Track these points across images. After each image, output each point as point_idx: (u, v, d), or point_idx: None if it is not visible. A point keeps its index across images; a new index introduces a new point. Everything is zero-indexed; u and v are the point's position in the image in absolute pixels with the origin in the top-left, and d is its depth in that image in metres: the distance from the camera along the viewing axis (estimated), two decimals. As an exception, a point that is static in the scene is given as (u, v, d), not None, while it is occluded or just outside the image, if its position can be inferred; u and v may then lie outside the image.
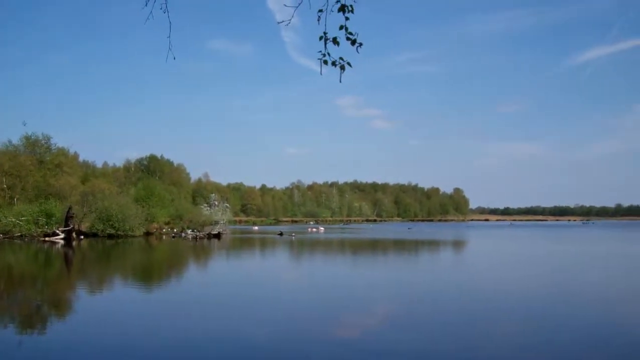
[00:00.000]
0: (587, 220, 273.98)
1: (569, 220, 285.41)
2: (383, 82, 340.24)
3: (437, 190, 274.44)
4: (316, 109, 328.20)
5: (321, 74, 6.54)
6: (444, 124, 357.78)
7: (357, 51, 6.52)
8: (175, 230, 74.50)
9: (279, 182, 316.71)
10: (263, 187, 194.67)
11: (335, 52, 6.60)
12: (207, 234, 68.41)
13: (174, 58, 7.66)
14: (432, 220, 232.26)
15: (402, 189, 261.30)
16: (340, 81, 6.65)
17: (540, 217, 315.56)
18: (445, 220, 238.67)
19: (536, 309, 18.51)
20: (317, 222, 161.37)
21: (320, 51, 6.47)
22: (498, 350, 12.76)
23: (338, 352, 12.52)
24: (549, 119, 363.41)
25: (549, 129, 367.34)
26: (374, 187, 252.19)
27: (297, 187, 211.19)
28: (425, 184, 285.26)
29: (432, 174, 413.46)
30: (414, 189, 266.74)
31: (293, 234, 78.34)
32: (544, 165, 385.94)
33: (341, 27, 6.51)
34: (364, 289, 23.60)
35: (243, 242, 63.25)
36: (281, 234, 78.99)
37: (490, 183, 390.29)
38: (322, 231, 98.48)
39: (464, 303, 19.76)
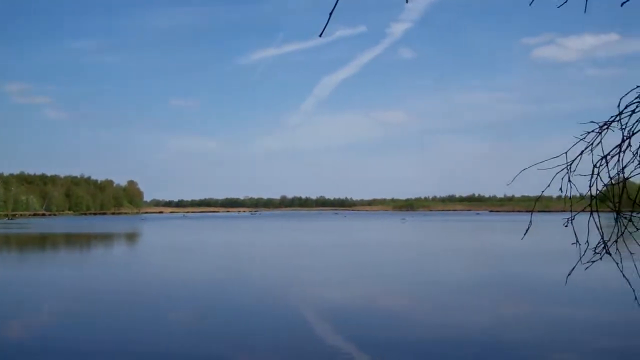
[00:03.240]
0: (256, 211, 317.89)
1: (239, 211, 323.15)
2: (57, 69, 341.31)
3: (110, 182, 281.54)
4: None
5: None
6: (120, 115, 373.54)
7: None
8: None
9: None
10: None
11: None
12: None
13: None
14: (105, 214, 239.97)
15: (74, 181, 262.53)
16: None
17: (213, 209, 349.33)
18: (119, 213, 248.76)
19: (203, 296, 21.04)
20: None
21: None
22: (165, 339, 14.01)
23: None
24: (222, 114, 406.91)
25: (221, 124, 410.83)
26: (43, 179, 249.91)
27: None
28: (99, 176, 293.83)
29: (106, 166, 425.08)
30: (87, 181, 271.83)
31: None
32: (216, 159, 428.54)
33: None
34: (27, 287, 24.16)
35: None
36: None
37: (164, 175, 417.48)
38: None
39: (136, 295, 21.39)
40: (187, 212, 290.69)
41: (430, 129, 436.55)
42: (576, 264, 3.38)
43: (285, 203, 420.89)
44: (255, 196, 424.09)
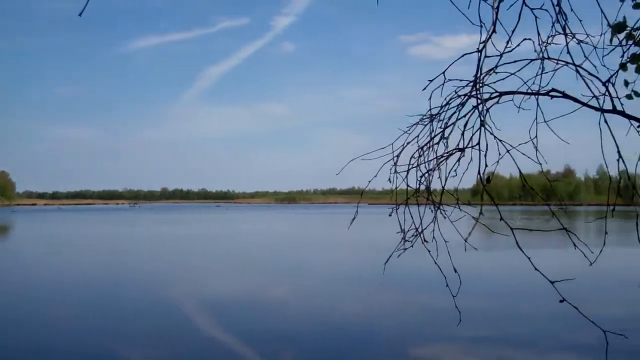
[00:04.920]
0: (135, 203, 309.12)
1: (117, 203, 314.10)
2: None
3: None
4: None
5: None
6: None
7: None
8: None
9: None
10: None
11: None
12: None
13: None
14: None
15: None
16: None
17: (90, 201, 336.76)
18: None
19: (76, 292, 20.16)
20: None
21: None
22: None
23: None
24: (100, 103, 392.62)
25: (100, 113, 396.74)
26: None
27: None
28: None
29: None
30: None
31: None
32: (93, 150, 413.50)
33: None
34: None
35: None
36: None
37: (38, 166, 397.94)
38: None
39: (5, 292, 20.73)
40: (62, 204, 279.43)
41: (312, 122, 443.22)
42: (392, 253, 3.49)
43: (166, 195, 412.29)
44: (135, 188, 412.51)
